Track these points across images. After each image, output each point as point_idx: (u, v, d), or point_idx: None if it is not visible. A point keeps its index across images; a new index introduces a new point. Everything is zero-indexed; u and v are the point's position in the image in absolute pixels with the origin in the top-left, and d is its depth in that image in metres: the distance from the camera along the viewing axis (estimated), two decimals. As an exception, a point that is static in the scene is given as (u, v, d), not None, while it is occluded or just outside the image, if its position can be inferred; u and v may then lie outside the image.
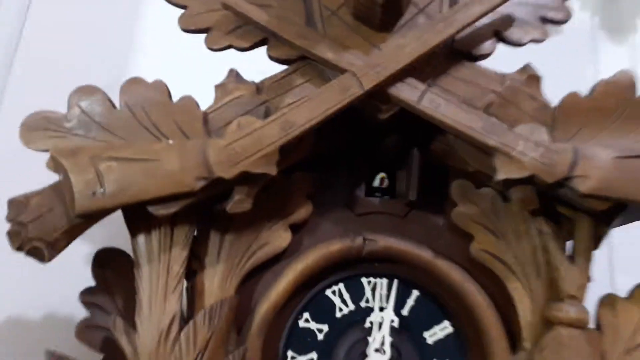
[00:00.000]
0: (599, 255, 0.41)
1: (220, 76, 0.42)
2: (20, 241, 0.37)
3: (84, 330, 0.42)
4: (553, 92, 0.43)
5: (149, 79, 0.41)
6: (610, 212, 0.38)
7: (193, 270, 0.40)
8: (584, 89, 0.41)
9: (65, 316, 0.54)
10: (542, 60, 0.48)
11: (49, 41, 0.65)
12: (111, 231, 0.42)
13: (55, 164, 0.37)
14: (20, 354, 0.54)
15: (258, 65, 0.41)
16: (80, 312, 0.43)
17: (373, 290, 0.43)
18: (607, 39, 0.68)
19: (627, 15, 0.69)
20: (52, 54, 0.63)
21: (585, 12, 0.69)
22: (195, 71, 0.49)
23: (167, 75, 0.42)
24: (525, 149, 0.36)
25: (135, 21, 0.66)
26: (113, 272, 0.44)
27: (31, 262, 0.38)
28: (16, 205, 0.37)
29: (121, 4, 0.68)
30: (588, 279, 0.40)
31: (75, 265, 0.48)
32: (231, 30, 0.42)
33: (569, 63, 0.67)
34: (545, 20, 0.41)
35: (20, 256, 0.37)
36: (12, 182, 0.40)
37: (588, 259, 0.39)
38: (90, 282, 0.44)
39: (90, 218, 0.38)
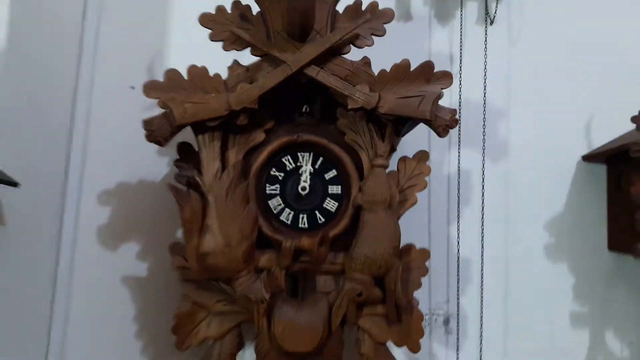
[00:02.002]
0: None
1: (229, 62, 0.93)
2: (152, 138, 0.88)
3: (177, 177, 0.95)
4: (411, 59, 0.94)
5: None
6: (398, 121, 0.92)
7: (223, 150, 0.93)
8: (422, 58, 0.92)
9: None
10: (398, 38, 1.01)
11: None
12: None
13: (163, 104, 0.88)
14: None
15: (246, 58, 0.92)
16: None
17: (302, 157, 0.97)
18: (437, 24, 1.20)
19: (452, 8, 1.21)
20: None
21: (425, 7, 1.20)
22: (217, 60, 0.97)
23: (202, 61, 0.92)
24: (359, 95, 0.89)
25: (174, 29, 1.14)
26: (188, 151, 0.96)
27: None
28: (149, 122, 0.89)
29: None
30: (392, 149, 0.95)
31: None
32: (233, 41, 0.92)
33: (415, 39, 1.19)
34: (374, 34, 0.93)
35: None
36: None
37: (390, 140, 0.94)
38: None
39: (179, 128, 0.89)
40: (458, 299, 1.10)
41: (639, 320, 1.15)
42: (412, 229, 1.05)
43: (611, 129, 1.11)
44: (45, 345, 1.05)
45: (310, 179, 0.96)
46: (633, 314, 1.15)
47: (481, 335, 1.09)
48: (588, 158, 1.17)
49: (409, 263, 0.95)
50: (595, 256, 1.16)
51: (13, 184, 0.82)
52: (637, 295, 1.14)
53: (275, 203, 0.97)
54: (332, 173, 0.97)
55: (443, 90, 0.91)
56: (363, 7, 0.94)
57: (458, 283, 1.10)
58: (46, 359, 1.05)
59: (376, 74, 0.92)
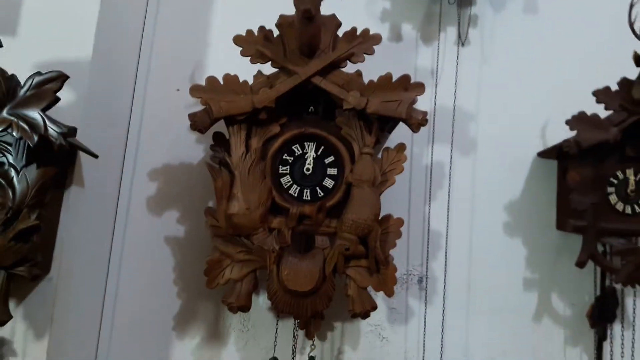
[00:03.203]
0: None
1: (254, 72, 1.23)
2: (195, 127, 1.18)
3: (212, 158, 1.25)
4: (396, 73, 1.23)
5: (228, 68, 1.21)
6: (382, 119, 1.20)
7: (247, 138, 1.22)
8: (407, 71, 1.20)
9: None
10: (390, 56, 1.30)
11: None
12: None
13: (205, 102, 1.18)
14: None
15: (267, 69, 1.22)
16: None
17: (308, 146, 1.26)
18: (422, 45, 1.48)
19: (434, 32, 1.49)
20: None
21: (413, 30, 1.48)
22: (245, 70, 1.27)
23: (234, 70, 1.22)
24: (352, 99, 1.17)
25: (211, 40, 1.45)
26: (221, 140, 1.26)
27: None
28: (193, 115, 1.19)
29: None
30: (377, 140, 1.23)
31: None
32: (258, 56, 1.22)
33: (403, 57, 1.48)
34: (365, 53, 1.21)
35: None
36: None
37: (376, 134, 1.22)
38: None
39: (215, 121, 1.19)
40: (427, 261, 1.38)
41: (579, 287, 1.40)
42: (396, 206, 1.34)
43: (562, 130, 1.37)
44: (103, 287, 1.36)
45: (313, 163, 1.25)
46: (574, 281, 1.40)
47: (444, 291, 1.36)
48: (542, 154, 1.44)
49: (387, 228, 1.22)
50: (545, 233, 1.42)
51: (94, 155, 1.12)
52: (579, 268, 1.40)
53: (285, 180, 1.25)
54: (330, 158, 1.25)
55: (417, 96, 1.19)
56: (358, 32, 1.23)
57: (427, 249, 1.37)
58: (103, 299, 1.35)
59: (366, 83, 1.21)
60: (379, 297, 1.29)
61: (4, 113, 0.89)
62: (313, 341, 1.31)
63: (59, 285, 1.07)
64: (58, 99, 0.93)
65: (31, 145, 0.88)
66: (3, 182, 0.92)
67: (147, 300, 1.36)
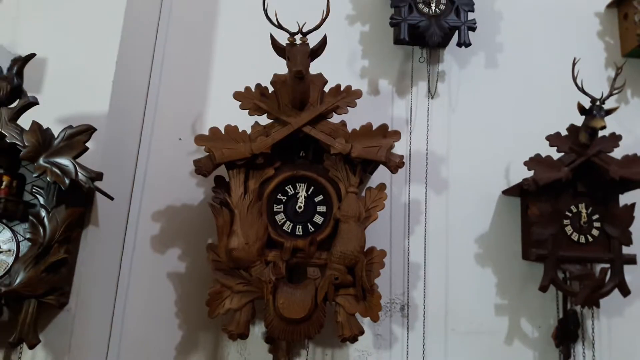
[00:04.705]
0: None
1: (252, 122, 1.40)
2: (199, 171, 1.33)
3: (214, 199, 1.39)
4: (376, 122, 1.40)
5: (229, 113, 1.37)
6: (364, 162, 1.37)
7: (246, 180, 1.38)
8: (385, 121, 1.39)
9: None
10: (369, 108, 1.49)
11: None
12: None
13: (209, 149, 1.34)
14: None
15: (263, 120, 1.39)
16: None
17: (299, 186, 1.41)
18: (397, 97, 1.68)
19: (407, 86, 1.69)
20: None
21: (389, 85, 1.69)
22: (244, 121, 1.43)
23: (234, 121, 1.38)
24: (338, 145, 1.35)
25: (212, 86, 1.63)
26: (221, 183, 1.41)
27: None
28: (197, 161, 1.34)
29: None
30: (361, 181, 1.39)
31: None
32: (255, 109, 1.39)
33: (381, 108, 1.67)
34: (348, 106, 1.40)
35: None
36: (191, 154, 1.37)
37: (359, 175, 1.38)
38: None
39: (218, 166, 1.34)
40: (408, 290, 1.52)
41: (544, 310, 1.56)
42: (379, 240, 1.50)
43: (523, 170, 1.55)
44: (110, 318, 1.45)
45: (304, 201, 1.41)
46: (539, 305, 1.56)
47: (424, 318, 1.50)
48: (506, 192, 1.62)
49: (371, 259, 1.37)
50: (512, 263, 1.58)
51: (110, 197, 1.25)
52: (542, 293, 1.56)
53: (279, 217, 1.40)
54: (319, 197, 1.41)
55: (394, 142, 1.37)
56: (342, 88, 1.42)
57: (408, 279, 1.52)
58: (110, 329, 1.45)
59: (350, 131, 1.39)
60: (366, 325, 1.41)
61: (40, 161, 1.03)
62: (306, 368, 1.43)
63: (77, 316, 1.18)
64: (87, 149, 1.08)
65: (63, 188, 1.02)
66: (35, 221, 1.05)
67: (151, 331, 1.46)
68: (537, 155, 1.48)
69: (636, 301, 1.61)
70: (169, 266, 1.51)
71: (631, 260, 1.47)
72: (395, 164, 1.36)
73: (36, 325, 1.04)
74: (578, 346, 1.51)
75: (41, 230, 1.04)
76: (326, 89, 1.41)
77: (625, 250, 1.47)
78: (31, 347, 1.03)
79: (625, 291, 1.45)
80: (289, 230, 1.39)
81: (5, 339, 1.05)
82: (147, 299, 1.48)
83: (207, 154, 1.35)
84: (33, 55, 1.16)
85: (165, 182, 1.57)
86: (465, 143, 1.66)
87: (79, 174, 1.03)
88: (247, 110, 1.39)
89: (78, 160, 1.09)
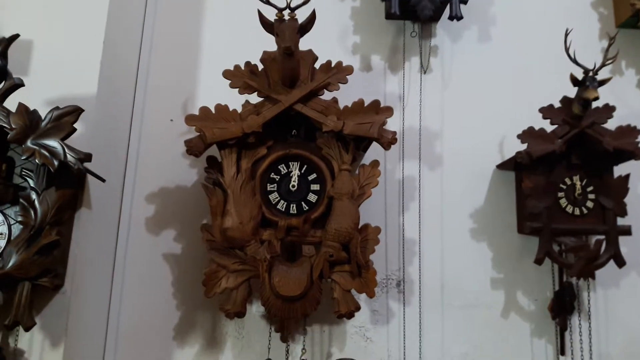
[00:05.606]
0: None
1: (242, 101, 1.38)
2: (191, 151, 1.32)
3: (207, 179, 1.39)
4: (367, 98, 1.40)
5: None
6: (357, 139, 1.36)
7: (238, 160, 1.37)
8: (377, 97, 1.37)
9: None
10: (361, 84, 1.48)
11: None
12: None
13: (199, 129, 1.32)
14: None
15: (254, 98, 1.37)
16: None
17: (292, 165, 1.41)
18: (390, 73, 1.66)
19: (400, 62, 1.67)
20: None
21: (381, 61, 1.67)
22: (234, 100, 1.42)
23: (224, 100, 1.37)
24: (330, 122, 1.33)
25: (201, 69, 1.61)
26: (214, 163, 1.40)
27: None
28: (188, 141, 1.33)
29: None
30: (354, 158, 1.39)
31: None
32: (245, 88, 1.37)
33: (373, 84, 1.65)
34: (339, 82, 1.38)
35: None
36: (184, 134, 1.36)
37: (352, 153, 1.37)
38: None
39: (209, 146, 1.33)
40: (404, 266, 1.52)
41: (540, 283, 1.56)
42: (374, 217, 1.50)
43: (517, 144, 1.55)
44: (107, 300, 1.46)
45: (298, 180, 1.40)
46: (535, 278, 1.56)
47: (420, 293, 1.50)
48: (500, 166, 1.61)
49: (366, 236, 1.37)
50: (507, 237, 1.58)
51: (102, 179, 1.25)
52: (538, 266, 1.56)
53: (273, 196, 1.40)
54: (313, 175, 1.40)
55: (387, 119, 1.36)
56: (333, 64, 1.40)
57: (403, 255, 1.52)
58: (108, 312, 1.45)
59: (342, 108, 1.37)
60: (362, 301, 1.42)
61: (28, 143, 1.02)
62: (304, 345, 1.44)
63: (72, 298, 1.18)
64: (75, 130, 1.07)
65: (52, 170, 1.01)
66: (26, 204, 1.05)
67: (149, 312, 1.47)
68: (531, 128, 1.47)
69: (631, 272, 1.62)
70: (164, 247, 1.51)
71: (626, 231, 1.47)
72: (387, 141, 1.36)
73: (31, 307, 1.04)
74: (574, 318, 1.52)
75: (32, 213, 1.03)
76: (317, 65, 1.39)
77: (620, 221, 1.48)
78: (27, 329, 1.03)
79: (621, 262, 1.45)
80: (283, 209, 1.39)
81: (1, 322, 1.06)
82: (144, 280, 1.48)
83: (199, 134, 1.34)
84: (17, 36, 1.14)
85: (158, 163, 1.56)
86: (458, 118, 1.65)
87: (67, 155, 1.02)
88: (238, 89, 1.38)
89: (67, 141, 1.08)
